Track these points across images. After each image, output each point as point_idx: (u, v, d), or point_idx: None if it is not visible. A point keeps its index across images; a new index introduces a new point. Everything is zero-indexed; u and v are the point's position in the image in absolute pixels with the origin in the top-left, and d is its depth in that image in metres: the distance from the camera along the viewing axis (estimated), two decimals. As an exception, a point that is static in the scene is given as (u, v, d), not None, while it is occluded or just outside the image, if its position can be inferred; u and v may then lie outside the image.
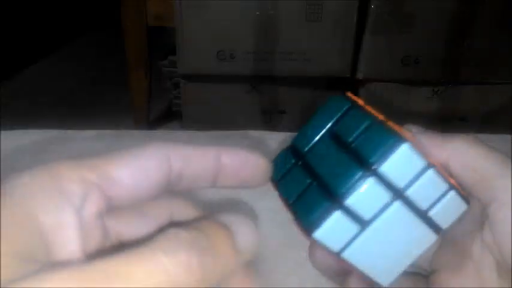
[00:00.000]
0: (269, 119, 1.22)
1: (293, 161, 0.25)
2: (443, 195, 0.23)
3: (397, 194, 0.22)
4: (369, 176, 0.21)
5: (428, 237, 0.24)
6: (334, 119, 0.25)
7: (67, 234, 0.15)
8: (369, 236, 0.22)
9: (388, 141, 0.22)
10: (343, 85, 1.17)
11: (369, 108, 0.24)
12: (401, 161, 0.22)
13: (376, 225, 0.22)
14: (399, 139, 0.21)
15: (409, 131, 0.25)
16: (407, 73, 1.13)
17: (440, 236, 0.24)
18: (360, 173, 0.21)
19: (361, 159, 0.22)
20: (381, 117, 0.23)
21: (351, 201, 0.22)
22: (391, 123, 0.23)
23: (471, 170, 0.23)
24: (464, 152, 0.23)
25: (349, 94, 0.26)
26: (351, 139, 0.23)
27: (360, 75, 1.13)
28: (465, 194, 0.24)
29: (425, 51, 1.10)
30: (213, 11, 1.05)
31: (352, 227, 0.22)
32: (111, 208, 0.17)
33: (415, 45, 1.09)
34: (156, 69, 1.31)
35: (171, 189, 0.19)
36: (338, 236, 0.22)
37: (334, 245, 0.22)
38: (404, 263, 0.24)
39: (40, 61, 2.01)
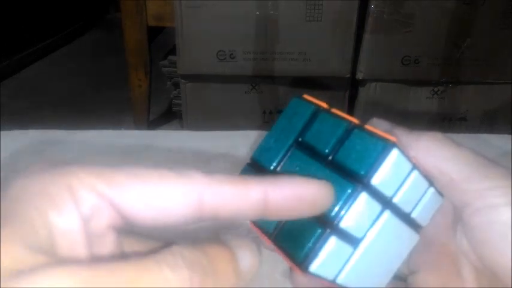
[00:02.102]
0: (269, 119, 1.22)
1: None
2: (423, 193, 0.22)
3: (386, 203, 0.20)
4: (360, 191, 0.19)
5: (413, 238, 0.23)
6: (300, 127, 0.22)
7: (74, 238, 0.15)
8: (361, 254, 0.20)
9: (376, 147, 0.19)
10: (343, 85, 1.17)
11: (336, 111, 0.22)
12: (392, 168, 0.20)
13: (367, 241, 0.20)
14: (387, 144, 0.19)
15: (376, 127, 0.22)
16: (407, 73, 1.12)
17: (420, 235, 0.23)
18: (350, 189, 0.19)
19: (348, 172, 0.20)
20: (353, 119, 0.21)
21: (345, 223, 0.19)
22: (368, 126, 0.20)
23: (439, 172, 0.22)
24: (431, 153, 0.22)
25: (309, 97, 0.23)
26: (328, 149, 0.21)
27: (359, 75, 1.13)
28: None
29: (425, 51, 1.10)
30: (213, 11, 1.05)
31: (347, 250, 0.20)
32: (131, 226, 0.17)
33: (415, 45, 1.09)
34: (156, 69, 1.31)
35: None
36: (333, 263, 0.20)
37: (329, 274, 0.20)
38: (392, 269, 0.23)
39: (40, 61, 2.01)
